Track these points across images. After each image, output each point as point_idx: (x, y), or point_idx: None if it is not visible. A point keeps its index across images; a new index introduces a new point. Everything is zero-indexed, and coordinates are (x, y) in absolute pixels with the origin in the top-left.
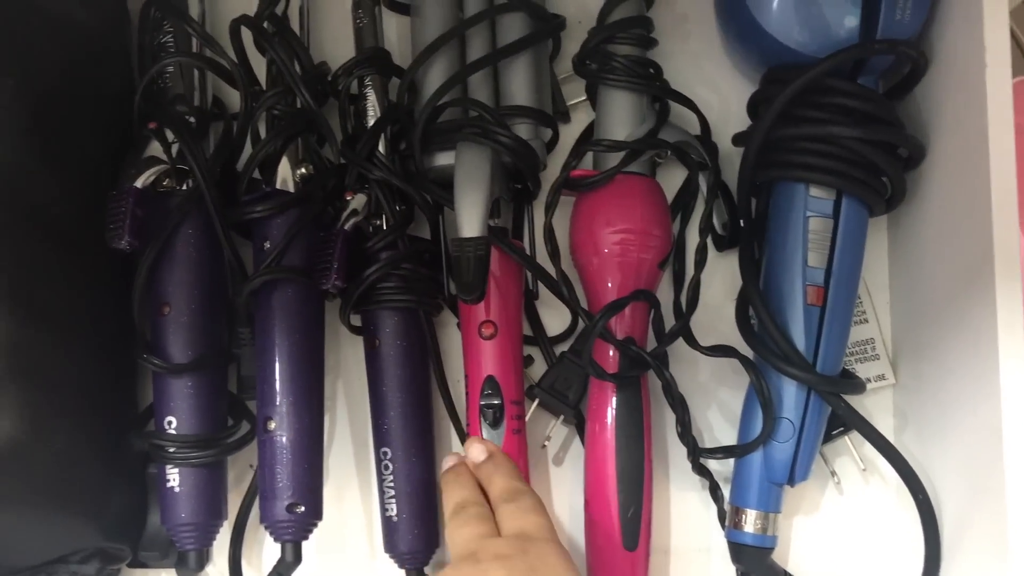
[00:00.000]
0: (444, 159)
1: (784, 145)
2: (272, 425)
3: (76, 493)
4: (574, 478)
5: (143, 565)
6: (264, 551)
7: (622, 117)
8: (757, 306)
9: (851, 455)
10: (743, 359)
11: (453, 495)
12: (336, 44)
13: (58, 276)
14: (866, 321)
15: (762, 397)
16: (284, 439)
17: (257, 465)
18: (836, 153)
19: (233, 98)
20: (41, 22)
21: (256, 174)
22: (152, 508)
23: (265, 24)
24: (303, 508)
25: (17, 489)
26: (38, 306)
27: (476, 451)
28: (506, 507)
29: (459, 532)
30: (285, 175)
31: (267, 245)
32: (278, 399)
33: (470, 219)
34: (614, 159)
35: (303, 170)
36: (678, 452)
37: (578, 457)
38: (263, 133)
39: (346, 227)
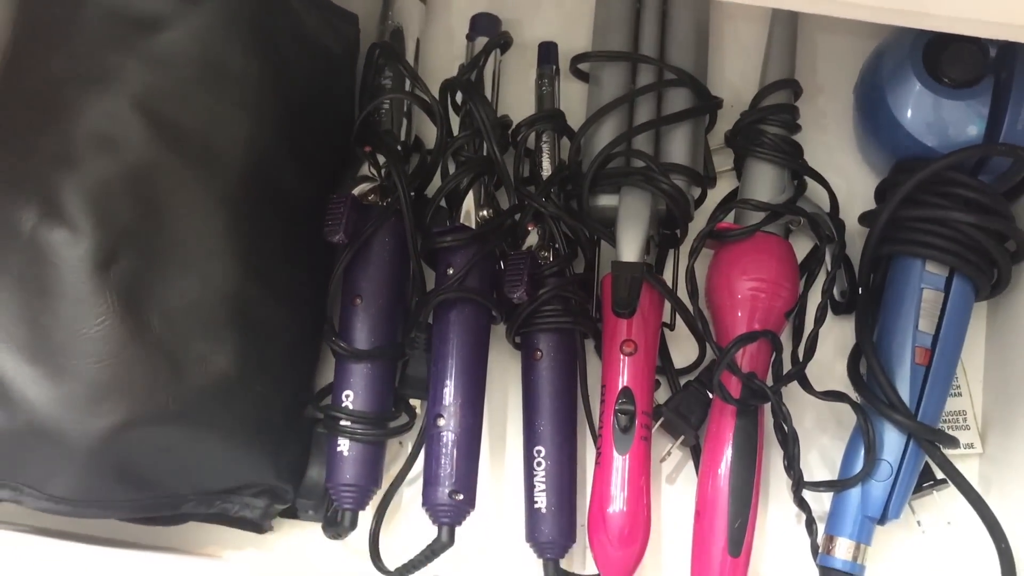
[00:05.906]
0: (606, 200)
1: (908, 224)
2: (441, 421)
3: (264, 433)
4: (684, 497)
5: (293, 515)
6: (401, 529)
7: (765, 185)
8: (870, 358)
9: (937, 509)
10: (852, 403)
11: None
12: (515, 106)
13: (281, 251)
14: (960, 394)
15: (867, 438)
16: (451, 434)
17: (424, 455)
18: (953, 236)
19: (429, 138)
20: (304, 39)
21: (442, 202)
22: (312, 464)
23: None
24: (462, 496)
25: (220, 419)
26: (263, 271)
27: None
28: None
29: None
30: (469, 210)
31: (450, 271)
32: (449, 399)
33: (630, 248)
34: (755, 219)
35: (485, 212)
36: (775, 490)
37: (689, 479)
38: (451, 170)
39: (532, 251)
